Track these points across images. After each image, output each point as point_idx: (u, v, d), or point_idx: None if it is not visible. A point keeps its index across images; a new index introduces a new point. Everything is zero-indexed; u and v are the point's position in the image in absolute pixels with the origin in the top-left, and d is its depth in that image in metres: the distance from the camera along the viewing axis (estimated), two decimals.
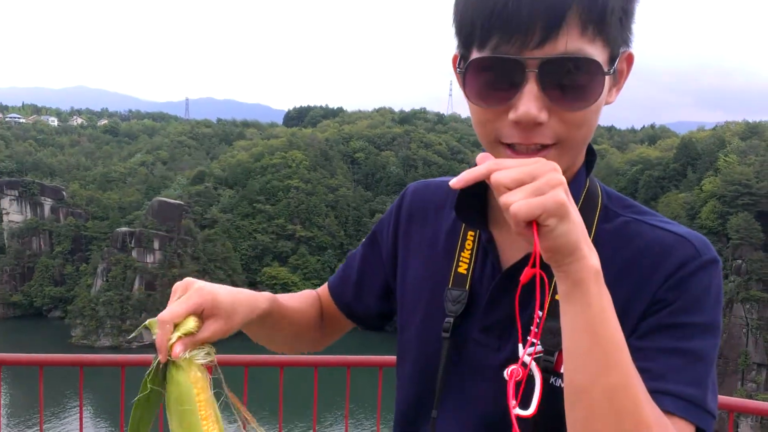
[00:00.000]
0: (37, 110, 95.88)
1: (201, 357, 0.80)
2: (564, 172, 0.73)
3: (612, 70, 0.80)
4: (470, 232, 0.97)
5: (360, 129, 72.34)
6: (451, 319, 0.93)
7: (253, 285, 46.72)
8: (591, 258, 0.72)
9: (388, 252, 1.06)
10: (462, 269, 0.95)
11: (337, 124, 76.44)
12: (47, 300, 52.64)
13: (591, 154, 0.92)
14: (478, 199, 0.94)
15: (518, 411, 0.81)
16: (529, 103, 0.77)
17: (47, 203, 56.77)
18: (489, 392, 0.89)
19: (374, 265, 1.09)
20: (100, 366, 2.78)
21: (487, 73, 0.80)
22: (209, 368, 0.82)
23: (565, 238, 0.69)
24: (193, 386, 0.77)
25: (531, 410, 0.81)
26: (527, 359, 0.84)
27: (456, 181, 0.72)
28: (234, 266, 55.86)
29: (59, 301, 52.01)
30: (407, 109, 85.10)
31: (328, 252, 59.48)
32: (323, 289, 1.16)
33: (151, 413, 0.83)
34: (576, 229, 0.70)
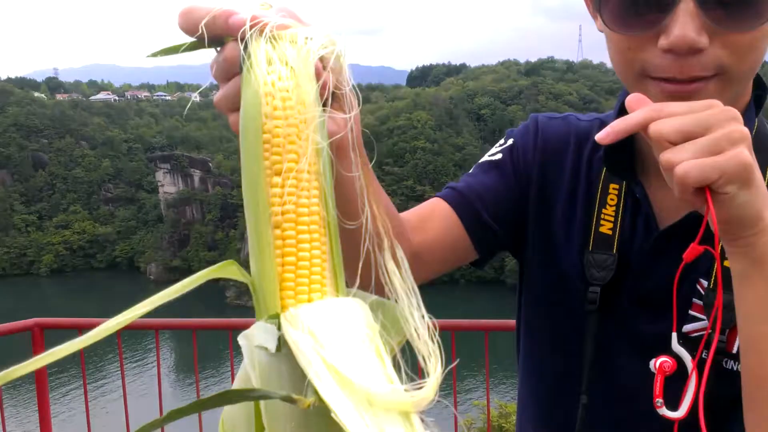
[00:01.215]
0: (180, 87, 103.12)
1: (298, 39, 0.49)
2: None
3: None
4: (612, 185, 0.83)
5: (484, 84, 71.01)
6: (598, 289, 0.79)
7: None
8: None
9: (522, 185, 0.89)
10: (605, 229, 0.82)
11: (460, 81, 75.49)
12: (203, 264, 57.37)
13: (760, 88, 0.77)
14: (624, 144, 0.77)
15: (666, 412, 0.71)
16: (685, 24, 0.63)
17: (196, 174, 61.28)
18: (645, 373, 0.76)
19: (499, 190, 0.89)
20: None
21: None
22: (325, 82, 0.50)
23: (746, 208, 0.56)
24: (261, 97, 0.48)
25: (681, 413, 0.70)
26: (680, 350, 0.72)
27: (604, 135, 0.58)
28: None
29: (213, 264, 57.05)
30: (533, 59, 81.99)
31: None
32: (408, 213, 0.91)
33: None
34: (760, 196, 0.57)
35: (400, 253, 0.48)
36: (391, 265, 0.48)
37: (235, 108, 0.50)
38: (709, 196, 0.54)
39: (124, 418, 2.84)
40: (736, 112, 0.57)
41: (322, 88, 0.49)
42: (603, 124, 0.85)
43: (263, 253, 0.47)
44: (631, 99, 0.60)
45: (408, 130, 61.63)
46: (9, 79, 79.86)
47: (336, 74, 0.51)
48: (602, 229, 0.81)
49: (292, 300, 0.47)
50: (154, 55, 0.54)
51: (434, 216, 0.88)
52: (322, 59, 0.50)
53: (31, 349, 2.73)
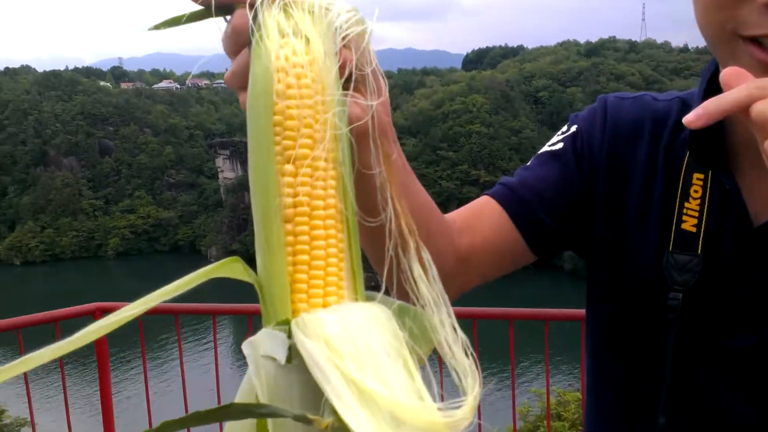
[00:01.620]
0: None
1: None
2: None
3: None
4: (696, 174, 0.72)
5: (542, 66, 69.55)
6: (679, 294, 0.69)
7: None
8: None
9: (587, 177, 0.78)
10: (688, 225, 0.71)
11: (517, 64, 74.14)
12: None
13: None
14: (713, 126, 0.64)
15: None
16: None
17: None
18: (735, 391, 0.68)
19: (558, 184, 0.79)
20: None
21: None
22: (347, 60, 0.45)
23: None
24: (272, 73, 0.42)
25: None
26: None
27: (695, 117, 0.49)
28: None
29: None
30: (594, 39, 79.76)
31: None
32: (455, 213, 0.83)
33: None
34: None
35: (427, 256, 0.43)
36: (417, 269, 0.43)
37: (246, 86, 0.45)
38: None
39: (183, 401, 2.87)
40: None
41: (342, 67, 0.44)
42: (684, 103, 0.75)
43: (272, 250, 0.42)
44: (728, 73, 0.50)
45: (463, 114, 60.97)
46: (76, 69, 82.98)
47: (359, 52, 0.45)
48: (684, 226, 0.70)
49: (305, 304, 0.42)
50: (157, 27, 0.47)
51: (483, 216, 0.78)
52: (343, 34, 0.44)
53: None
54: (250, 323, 2.77)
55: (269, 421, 0.40)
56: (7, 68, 76.04)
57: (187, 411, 2.75)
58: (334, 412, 0.35)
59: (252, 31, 0.43)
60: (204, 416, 0.37)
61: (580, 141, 0.79)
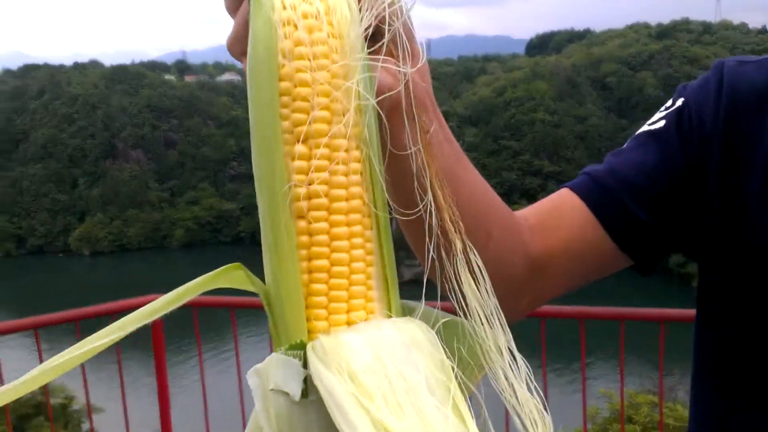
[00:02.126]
0: None
1: None
2: None
3: None
4: None
5: (611, 50, 66.78)
6: None
7: None
8: None
9: (695, 158, 0.65)
10: None
11: (584, 48, 71.46)
12: None
13: None
14: None
15: None
16: None
17: None
18: None
19: (656, 168, 0.66)
20: None
21: None
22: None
23: None
24: (275, 26, 0.32)
25: None
26: None
27: None
28: None
29: None
30: (665, 21, 75.97)
31: None
32: (527, 210, 0.71)
33: None
34: None
35: (478, 261, 0.35)
36: (466, 278, 0.34)
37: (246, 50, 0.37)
38: None
39: (239, 396, 2.86)
40: None
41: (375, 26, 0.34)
42: None
43: (281, 254, 0.34)
44: None
45: (526, 101, 59.23)
46: (141, 63, 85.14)
47: (386, 5, 0.35)
48: None
49: (324, 322, 0.33)
50: None
51: (561, 213, 0.67)
52: None
53: (149, 325, 2.63)
54: None
55: None
56: (76, 63, 78.72)
57: (242, 400, 2.84)
58: None
59: None
60: None
61: (687, 115, 0.67)
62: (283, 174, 0.33)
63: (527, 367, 0.31)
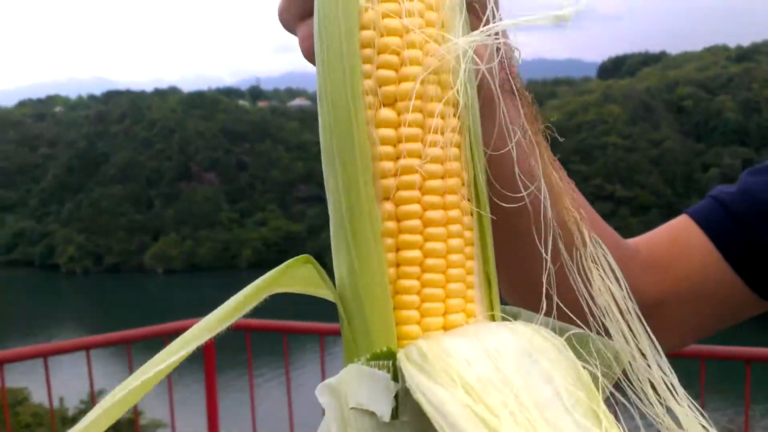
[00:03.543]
0: None
1: None
2: None
3: None
4: None
5: (687, 73, 64.58)
6: None
7: None
8: None
9: None
10: None
11: (659, 71, 69.40)
12: None
13: None
14: None
15: None
16: None
17: None
18: None
19: None
20: None
21: None
22: None
23: None
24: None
25: None
26: None
27: None
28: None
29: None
30: (745, 43, 72.97)
31: (653, 212, 54.92)
32: (640, 240, 0.60)
33: None
34: None
35: (608, 255, 0.29)
36: (596, 276, 0.28)
37: (306, 13, 0.32)
38: None
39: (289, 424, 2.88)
40: None
41: None
42: None
43: (362, 245, 0.28)
44: None
45: (597, 125, 57.80)
46: (217, 89, 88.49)
47: None
48: None
49: (416, 326, 0.27)
50: None
51: (678, 248, 0.56)
52: None
53: (201, 346, 2.70)
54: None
55: None
56: (156, 89, 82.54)
57: (291, 425, 2.86)
58: None
59: None
60: None
61: None
62: (365, 145, 0.26)
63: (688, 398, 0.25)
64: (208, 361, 2.94)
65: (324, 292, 0.31)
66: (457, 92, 0.26)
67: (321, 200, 72.67)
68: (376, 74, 0.26)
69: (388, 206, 0.27)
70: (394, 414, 0.24)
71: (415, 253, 0.27)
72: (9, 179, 70.68)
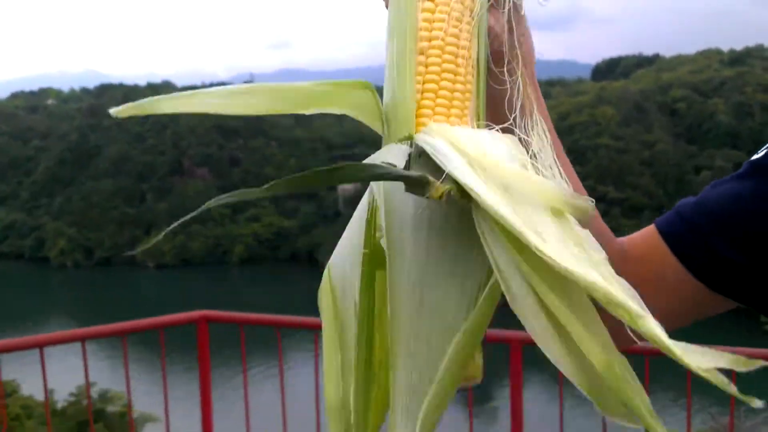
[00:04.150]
0: None
1: None
2: None
3: None
4: None
5: (681, 76, 64.88)
6: None
7: None
8: None
9: None
10: None
11: (653, 73, 69.66)
12: None
13: None
14: None
15: None
16: None
17: None
18: None
19: (752, 202, 0.61)
20: None
21: None
22: None
23: None
24: None
25: None
26: None
27: None
28: None
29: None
30: (738, 47, 73.36)
31: (645, 213, 55.14)
32: (634, 237, 0.69)
33: None
34: None
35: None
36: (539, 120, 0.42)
37: None
38: None
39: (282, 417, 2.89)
40: None
41: None
42: None
43: (402, 78, 0.42)
44: None
45: (590, 126, 58.00)
46: (211, 84, 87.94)
47: None
48: None
49: (428, 119, 0.42)
50: None
51: (645, 252, 0.65)
52: None
53: (195, 340, 2.81)
54: None
55: (381, 205, 0.39)
56: (149, 83, 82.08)
57: (284, 423, 2.87)
58: (455, 183, 0.34)
59: None
60: (316, 175, 0.38)
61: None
62: (414, 21, 0.42)
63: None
64: (202, 356, 2.92)
65: (370, 119, 0.41)
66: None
67: (314, 197, 72.35)
68: None
69: (422, 58, 0.42)
70: (407, 166, 0.37)
71: (433, 86, 0.42)
72: (0, 171, 70.21)
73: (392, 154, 0.38)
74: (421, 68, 0.43)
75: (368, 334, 0.38)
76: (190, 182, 69.23)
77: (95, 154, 71.41)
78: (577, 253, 0.33)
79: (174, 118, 72.03)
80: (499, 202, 0.32)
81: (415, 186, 0.35)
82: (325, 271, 0.44)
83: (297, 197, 69.88)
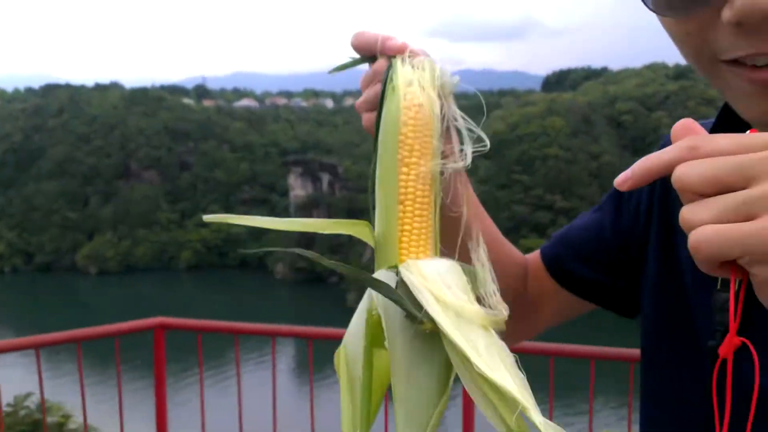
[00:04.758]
0: (315, 94, 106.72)
1: (428, 67, 0.63)
2: None
3: None
4: None
5: (627, 89, 66.89)
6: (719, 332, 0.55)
7: None
8: None
9: (637, 221, 0.77)
10: None
11: (600, 86, 71.64)
12: (326, 266, 58.34)
13: None
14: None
15: None
16: None
17: (325, 178, 62.84)
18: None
19: (600, 229, 0.82)
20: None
21: None
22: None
23: None
24: (401, 112, 0.60)
25: None
26: None
27: (622, 181, 0.47)
28: None
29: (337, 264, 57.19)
30: (683, 62, 75.51)
31: None
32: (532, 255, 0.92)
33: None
34: None
35: (483, 248, 0.58)
36: (476, 249, 0.60)
37: (370, 109, 0.68)
38: (734, 273, 0.41)
39: (238, 424, 2.86)
40: None
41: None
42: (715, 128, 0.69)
43: (390, 221, 0.59)
44: (677, 127, 0.45)
45: (539, 136, 59.19)
46: (162, 86, 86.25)
47: (448, 104, 0.61)
48: None
49: (405, 256, 0.59)
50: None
51: (536, 270, 0.87)
52: (440, 87, 0.62)
53: (152, 347, 2.79)
54: (310, 347, 2.73)
55: (384, 323, 0.55)
56: (97, 84, 79.74)
57: (241, 429, 2.85)
58: (430, 318, 0.53)
59: (389, 75, 0.63)
60: (358, 274, 0.55)
61: (623, 203, 0.80)
62: (396, 181, 0.59)
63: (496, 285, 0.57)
64: (158, 364, 2.84)
65: (370, 242, 0.60)
66: (432, 151, 0.61)
67: (265, 202, 71.15)
68: (401, 154, 0.60)
69: (401, 207, 0.59)
70: (396, 288, 0.55)
71: (409, 227, 0.59)
72: None
73: (385, 277, 0.56)
74: (401, 213, 0.59)
75: (369, 392, 0.57)
76: (136, 186, 67.49)
77: (38, 155, 68.87)
78: (497, 357, 0.52)
79: (121, 119, 70.24)
80: (453, 329, 0.52)
81: (410, 315, 0.53)
82: (341, 346, 0.59)
83: (248, 203, 68.99)
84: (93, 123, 69.98)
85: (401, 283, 0.55)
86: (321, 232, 0.59)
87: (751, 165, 0.39)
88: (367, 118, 0.70)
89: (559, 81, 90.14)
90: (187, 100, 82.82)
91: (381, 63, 0.66)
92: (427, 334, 0.53)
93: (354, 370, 0.58)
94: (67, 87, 79.34)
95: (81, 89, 77.66)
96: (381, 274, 0.58)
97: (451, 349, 0.53)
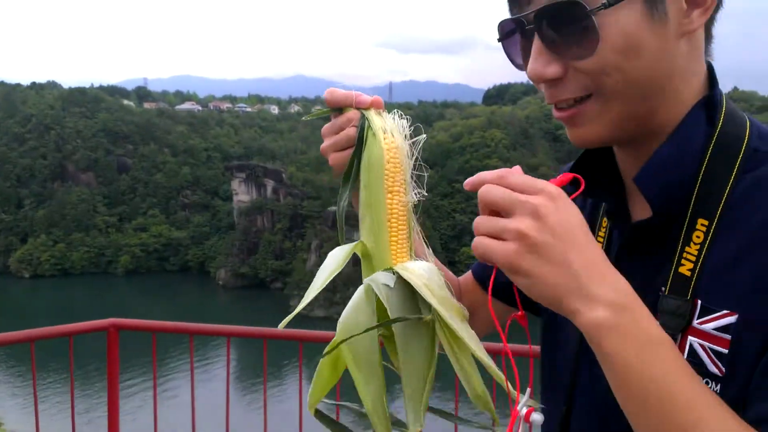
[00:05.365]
0: (260, 100, 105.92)
1: (393, 123, 0.82)
2: (644, 124, 0.68)
3: (607, 3, 0.63)
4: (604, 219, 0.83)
5: None
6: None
7: (452, 264, 47.20)
8: (588, 311, 0.57)
9: None
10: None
11: (538, 101, 73.75)
12: (269, 272, 57.87)
13: (711, 87, 0.72)
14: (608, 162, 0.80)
15: None
16: (534, 59, 0.68)
17: (269, 184, 62.42)
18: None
19: None
20: (318, 342, 2.68)
21: (512, 38, 0.73)
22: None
23: (532, 293, 0.59)
24: (384, 152, 0.78)
25: None
26: None
27: (467, 184, 0.66)
28: (433, 246, 57.40)
29: (279, 273, 56.81)
30: None
31: None
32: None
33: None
34: (550, 281, 0.57)
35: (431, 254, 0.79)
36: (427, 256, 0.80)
37: (337, 150, 0.82)
38: (495, 270, 0.62)
39: (191, 423, 2.87)
40: (556, 196, 0.59)
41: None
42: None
43: (382, 235, 0.77)
44: (468, 181, 0.66)
45: (481, 148, 60.62)
46: (101, 87, 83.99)
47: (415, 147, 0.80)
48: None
49: (395, 260, 0.77)
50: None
51: (470, 285, 1.04)
52: (406, 134, 0.80)
53: (105, 348, 2.79)
54: (265, 346, 2.78)
55: (390, 314, 0.70)
56: (33, 83, 77.05)
57: (194, 428, 2.87)
58: (429, 309, 0.69)
59: (364, 126, 0.81)
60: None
61: None
62: (384, 204, 0.77)
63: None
64: (111, 365, 2.83)
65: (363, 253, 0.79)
66: (405, 183, 0.79)
67: (207, 207, 69.89)
68: (386, 184, 0.78)
69: (388, 223, 0.78)
70: (394, 285, 0.72)
71: (396, 239, 0.78)
72: None
73: (386, 278, 0.71)
74: (389, 229, 0.77)
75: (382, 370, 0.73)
76: (73, 188, 65.53)
77: None
78: (475, 340, 0.69)
79: (58, 119, 68.12)
80: (449, 319, 0.68)
81: (417, 319, 0.70)
82: (333, 343, 0.70)
83: (190, 207, 67.88)
84: (28, 123, 67.60)
85: (399, 279, 0.71)
86: (328, 280, 0.75)
87: (514, 203, 0.59)
88: (335, 156, 0.83)
89: (499, 95, 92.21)
90: (127, 102, 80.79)
91: (353, 113, 0.82)
92: (416, 323, 0.70)
93: (369, 355, 0.71)
94: (2, 85, 76.31)
95: (16, 87, 74.85)
96: (381, 275, 0.73)
97: (444, 333, 0.70)
